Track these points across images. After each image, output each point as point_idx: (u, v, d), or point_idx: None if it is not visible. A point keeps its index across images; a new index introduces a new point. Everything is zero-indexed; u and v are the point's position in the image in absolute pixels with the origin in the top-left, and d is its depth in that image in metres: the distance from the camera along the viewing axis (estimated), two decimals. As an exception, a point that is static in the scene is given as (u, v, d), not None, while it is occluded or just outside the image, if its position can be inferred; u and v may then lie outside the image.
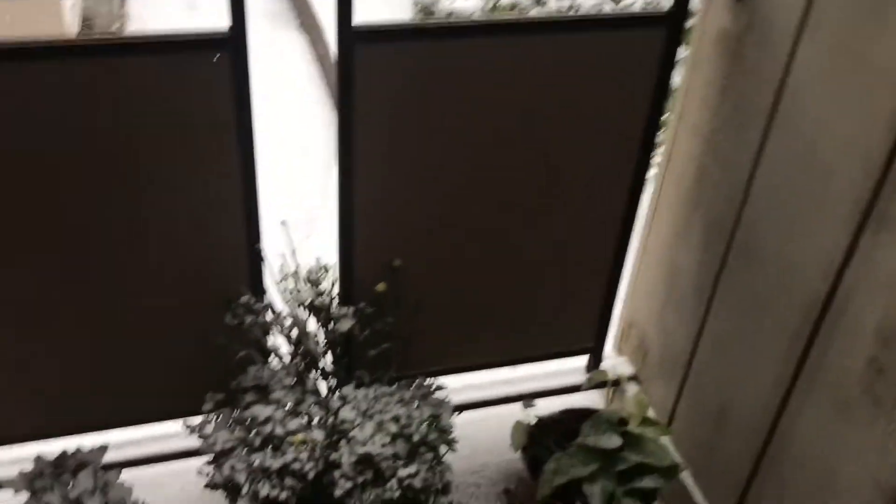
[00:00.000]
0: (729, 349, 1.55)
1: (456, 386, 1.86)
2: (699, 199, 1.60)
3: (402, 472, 1.36)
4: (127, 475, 1.63)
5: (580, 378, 1.92)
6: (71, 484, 1.36)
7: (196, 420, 1.46)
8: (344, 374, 1.57)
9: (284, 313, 1.50)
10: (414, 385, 1.55)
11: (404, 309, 1.54)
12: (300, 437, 1.33)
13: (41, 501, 1.34)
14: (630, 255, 1.78)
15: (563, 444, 1.64)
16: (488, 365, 1.82)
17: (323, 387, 1.55)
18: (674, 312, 1.73)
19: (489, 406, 1.89)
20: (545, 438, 1.67)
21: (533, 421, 1.70)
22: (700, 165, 1.59)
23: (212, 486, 1.40)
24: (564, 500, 1.55)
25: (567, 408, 1.75)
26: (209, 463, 1.42)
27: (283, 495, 1.35)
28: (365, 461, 1.36)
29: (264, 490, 1.35)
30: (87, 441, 1.50)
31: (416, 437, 1.41)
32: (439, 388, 1.55)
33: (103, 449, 1.44)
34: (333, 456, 1.37)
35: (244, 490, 1.38)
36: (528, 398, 1.77)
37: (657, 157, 1.68)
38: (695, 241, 1.63)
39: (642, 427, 1.60)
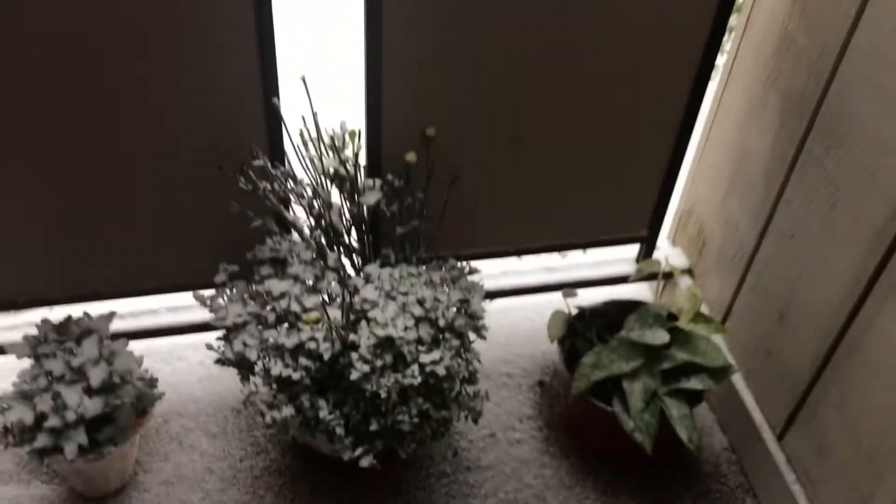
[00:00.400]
0: (799, 244, 1.37)
1: (491, 272, 1.73)
2: (779, 70, 1.39)
3: (425, 358, 1.25)
4: (140, 346, 1.56)
5: (628, 269, 1.77)
6: (75, 352, 1.29)
7: (208, 293, 1.36)
8: (368, 251, 1.45)
9: (305, 182, 1.37)
10: (444, 267, 1.42)
11: (437, 183, 1.40)
12: (314, 314, 1.22)
13: (44, 368, 1.27)
14: (694, 136, 1.59)
15: (605, 337, 1.52)
16: (527, 250, 1.68)
17: (345, 264, 1.43)
18: (739, 201, 1.55)
19: (527, 294, 1.76)
20: (585, 330, 1.55)
21: (573, 311, 1.57)
22: (784, 31, 1.37)
23: (222, 361, 1.31)
24: (601, 397, 1.44)
25: (612, 299, 1.61)
26: (220, 338, 1.33)
27: (297, 375, 1.25)
28: (385, 344, 1.25)
29: (276, 369, 1.25)
30: (95, 309, 1.42)
31: (442, 322, 1.29)
32: (472, 270, 1.42)
33: (110, 316, 1.36)
34: (352, 337, 1.26)
35: (256, 368, 1.29)
36: (569, 287, 1.63)
37: (733, 22, 1.46)
38: (770, 120, 1.43)
39: (693, 323, 1.45)
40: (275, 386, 1.28)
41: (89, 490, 1.44)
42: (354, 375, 1.23)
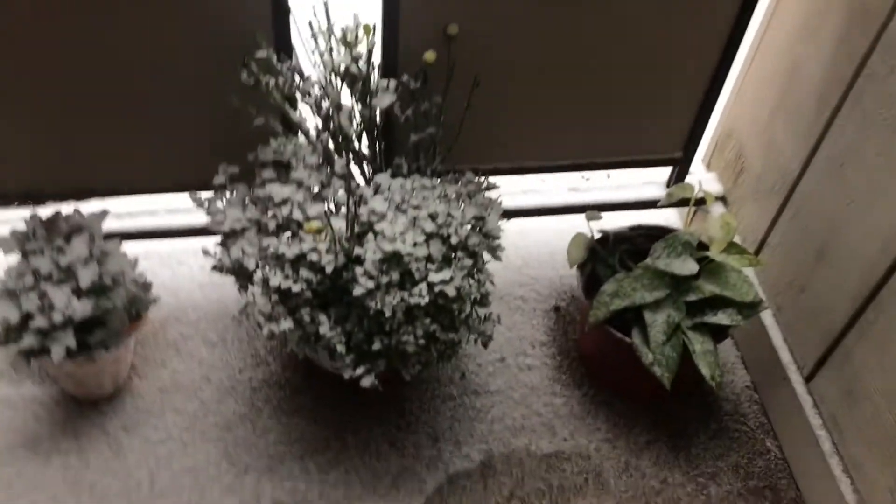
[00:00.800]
0: (849, 174, 1.26)
1: (511, 189, 1.63)
2: (846, -22, 1.25)
3: (435, 277, 1.16)
4: (138, 249, 1.49)
5: (657, 193, 1.66)
6: (64, 250, 1.22)
7: (206, 194, 1.27)
8: (379, 160, 1.35)
9: (312, 79, 1.26)
10: (461, 181, 1.32)
11: (457, 88, 1.28)
12: (316, 224, 1.13)
13: (31, 266, 1.20)
14: (741, 50, 1.45)
15: (628, 264, 1.42)
16: (551, 168, 1.57)
17: (354, 172, 1.33)
18: (784, 124, 1.43)
19: (547, 215, 1.66)
20: (608, 256, 1.45)
21: (596, 235, 1.47)
22: (855, -68, 1.22)
23: (219, 268, 1.24)
24: (620, 327, 1.35)
25: (638, 224, 1.50)
26: (219, 244, 1.25)
27: (297, 287, 1.17)
28: (392, 260, 1.16)
29: (276, 279, 1.17)
30: (92, 208, 1.34)
31: (454, 240, 1.19)
32: (490, 186, 1.32)
33: (103, 214, 1.28)
34: (357, 250, 1.17)
35: (255, 277, 1.21)
36: (594, 209, 1.53)
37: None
38: (829, 34, 1.29)
39: (726, 254, 1.35)
40: (274, 297, 1.21)
41: (82, 393, 1.39)
42: (358, 291, 1.14)
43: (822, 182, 1.33)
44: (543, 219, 1.68)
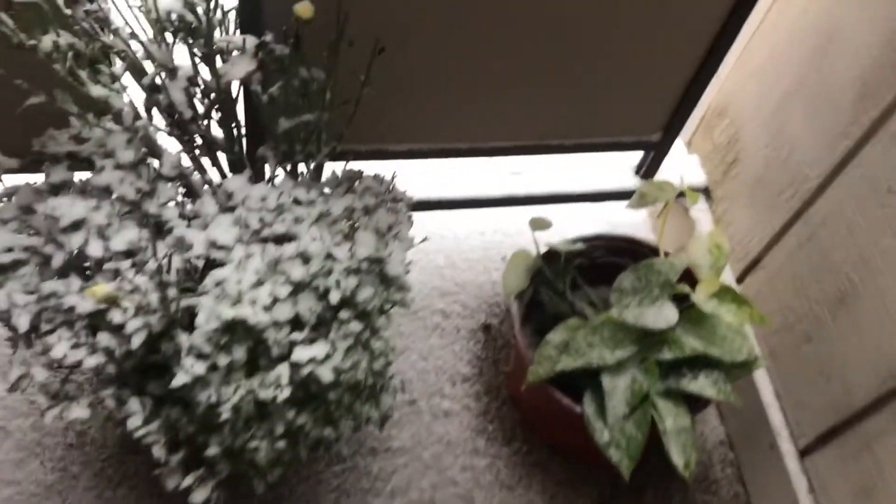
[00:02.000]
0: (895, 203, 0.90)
1: (434, 175, 1.23)
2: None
3: (302, 354, 0.77)
4: None
5: (626, 183, 1.28)
6: None
7: (-39, 203, 0.84)
8: (238, 148, 0.92)
9: (127, 32, 0.82)
10: (356, 185, 0.91)
11: (354, 55, 0.85)
12: (102, 289, 0.72)
13: None
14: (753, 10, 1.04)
15: (584, 290, 1.06)
16: (487, 151, 1.16)
17: (194, 173, 0.91)
18: (806, 114, 1.05)
19: (482, 207, 1.27)
20: (556, 278, 1.08)
21: (542, 248, 1.09)
22: None
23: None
24: (565, 383, 1.00)
25: (597, 234, 1.13)
26: (-22, 281, 0.83)
27: (93, 361, 0.77)
28: (236, 329, 0.76)
29: (61, 347, 0.77)
30: None
31: (335, 295, 0.80)
32: (400, 198, 0.91)
33: None
34: (189, 299, 0.77)
35: (33, 342, 0.80)
36: (542, 201, 1.15)
37: None
38: None
39: (717, 301, 0.99)
40: (61, 369, 0.81)
41: None
42: (180, 380, 0.75)
43: (855, 204, 0.96)
44: (478, 211, 1.29)
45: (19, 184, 0.87)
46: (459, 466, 1.12)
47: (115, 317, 0.77)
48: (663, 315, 0.96)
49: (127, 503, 1.02)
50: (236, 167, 0.93)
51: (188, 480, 0.81)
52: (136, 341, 0.75)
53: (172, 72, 0.85)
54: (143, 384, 0.82)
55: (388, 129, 1.05)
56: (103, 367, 0.78)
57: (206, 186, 0.90)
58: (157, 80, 0.84)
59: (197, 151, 0.90)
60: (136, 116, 0.85)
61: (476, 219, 1.31)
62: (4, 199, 0.85)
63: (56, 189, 0.84)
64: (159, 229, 0.84)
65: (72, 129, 0.85)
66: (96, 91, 0.82)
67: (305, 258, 0.80)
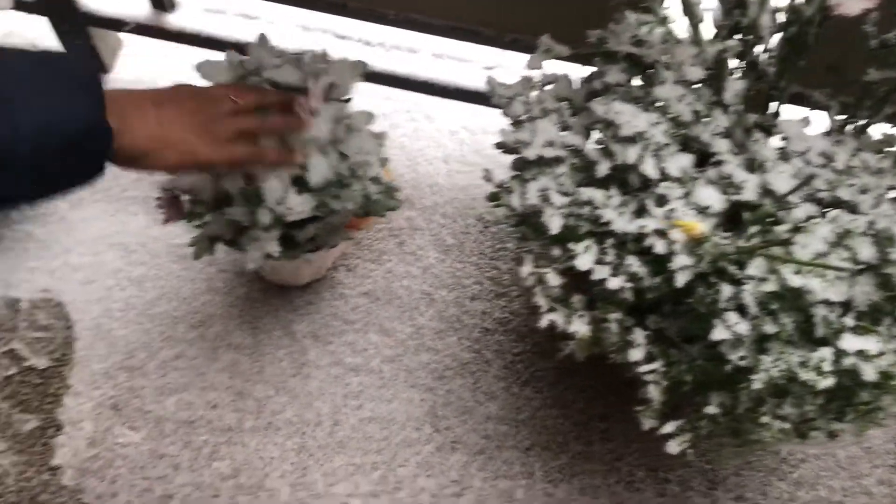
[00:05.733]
0: None
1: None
2: None
3: (850, 343, 0.69)
4: (378, 91, 1.08)
5: None
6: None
7: (509, 80, 0.81)
8: (784, 83, 0.82)
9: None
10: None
11: None
12: (696, 227, 0.66)
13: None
14: None
15: None
16: None
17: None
18: None
19: None
20: None
21: None
22: None
23: (508, 209, 0.80)
24: None
25: None
26: (514, 171, 0.81)
27: (616, 283, 0.73)
28: (785, 298, 0.68)
29: (586, 259, 0.74)
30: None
31: (903, 289, 0.70)
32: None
33: (360, 67, 0.84)
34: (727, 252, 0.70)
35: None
36: None
37: None
38: None
39: None
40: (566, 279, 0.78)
41: (272, 277, 1.05)
42: (720, 334, 0.69)
43: None
44: None
45: (558, 73, 0.83)
46: (877, 477, 1.01)
47: (659, 247, 0.72)
48: None
49: (531, 405, 1.01)
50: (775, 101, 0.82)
51: (669, 428, 0.76)
52: (681, 279, 0.70)
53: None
54: (644, 316, 0.78)
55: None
56: (621, 290, 0.74)
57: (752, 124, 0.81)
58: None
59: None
60: (695, 25, 0.76)
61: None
62: (546, 85, 0.82)
63: (597, 92, 0.79)
64: (703, 159, 0.77)
65: (630, 20, 0.79)
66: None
67: (878, 237, 0.70)
